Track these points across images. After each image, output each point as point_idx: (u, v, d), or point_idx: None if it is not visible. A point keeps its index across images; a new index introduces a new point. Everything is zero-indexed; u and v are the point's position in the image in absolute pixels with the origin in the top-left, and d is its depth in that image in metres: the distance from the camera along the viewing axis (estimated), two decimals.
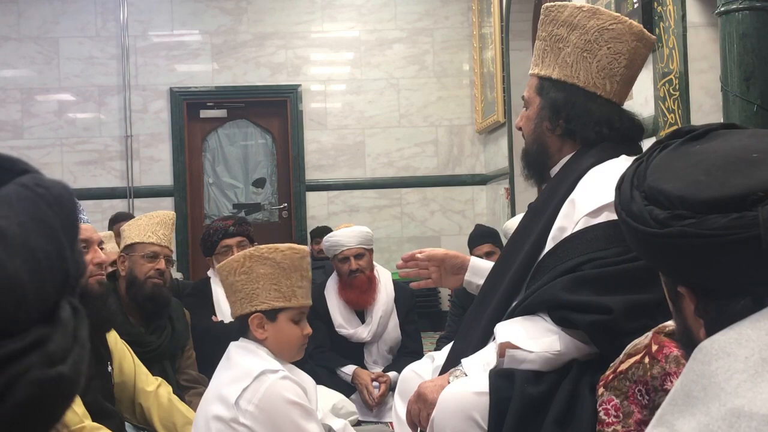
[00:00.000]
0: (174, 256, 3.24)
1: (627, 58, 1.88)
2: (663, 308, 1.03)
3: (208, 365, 3.11)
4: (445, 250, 2.24)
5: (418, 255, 2.20)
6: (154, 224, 2.97)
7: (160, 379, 2.66)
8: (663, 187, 0.90)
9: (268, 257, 2.10)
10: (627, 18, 1.93)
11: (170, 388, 2.66)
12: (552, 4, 1.96)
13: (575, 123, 1.88)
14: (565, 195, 1.82)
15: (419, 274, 2.22)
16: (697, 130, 0.98)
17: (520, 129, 2.04)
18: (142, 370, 2.61)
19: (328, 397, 3.31)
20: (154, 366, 2.77)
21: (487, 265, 2.16)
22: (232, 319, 3.38)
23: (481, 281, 2.10)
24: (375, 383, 3.71)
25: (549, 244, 1.79)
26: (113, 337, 2.55)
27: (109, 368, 2.48)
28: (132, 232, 2.98)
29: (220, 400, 2.04)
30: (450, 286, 2.30)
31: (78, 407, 2.11)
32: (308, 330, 2.19)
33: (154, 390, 2.59)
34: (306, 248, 2.20)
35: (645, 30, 1.93)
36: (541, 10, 1.98)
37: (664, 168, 0.93)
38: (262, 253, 2.11)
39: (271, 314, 2.12)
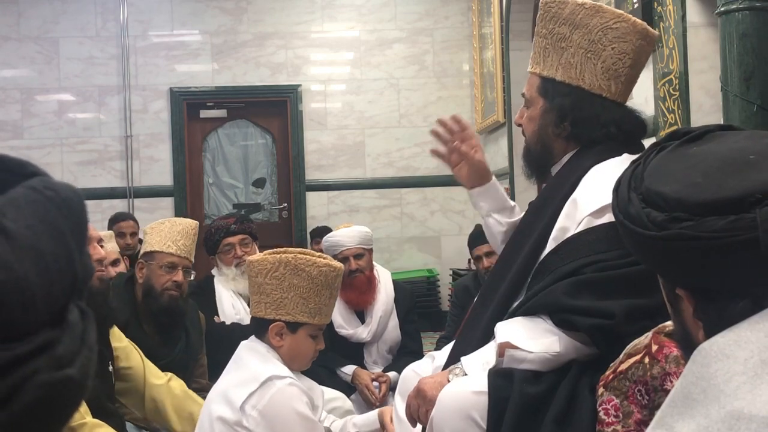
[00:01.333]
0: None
1: (631, 57, 1.84)
2: (664, 312, 1.02)
3: (209, 366, 3.11)
4: (481, 160, 2.11)
5: (462, 147, 2.09)
6: (175, 233, 2.91)
7: (170, 373, 2.63)
8: (660, 189, 0.90)
9: (303, 269, 2.07)
10: (630, 15, 1.88)
11: (182, 381, 2.63)
12: None
13: (581, 127, 1.86)
14: (567, 194, 1.80)
15: (448, 150, 2.12)
16: (694, 131, 0.97)
17: (519, 125, 2.01)
18: (151, 364, 2.58)
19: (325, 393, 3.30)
20: None
21: (500, 194, 2.17)
22: (235, 320, 3.41)
23: (483, 203, 2.16)
24: (375, 383, 3.71)
25: (550, 244, 1.78)
26: (117, 334, 2.53)
27: (110, 368, 2.47)
28: (153, 238, 2.91)
29: (226, 402, 2.05)
30: (460, 180, 2.19)
31: None
32: (322, 345, 2.19)
33: (165, 383, 2.56)
34: (341, 266, 2.16)
35: (648, 27, 1.88)
36: (540, 4, 1.93)
37: (662, 170, 0.93)
38: (299, 263, 2.07)
39: (293, 326, 2.12)
